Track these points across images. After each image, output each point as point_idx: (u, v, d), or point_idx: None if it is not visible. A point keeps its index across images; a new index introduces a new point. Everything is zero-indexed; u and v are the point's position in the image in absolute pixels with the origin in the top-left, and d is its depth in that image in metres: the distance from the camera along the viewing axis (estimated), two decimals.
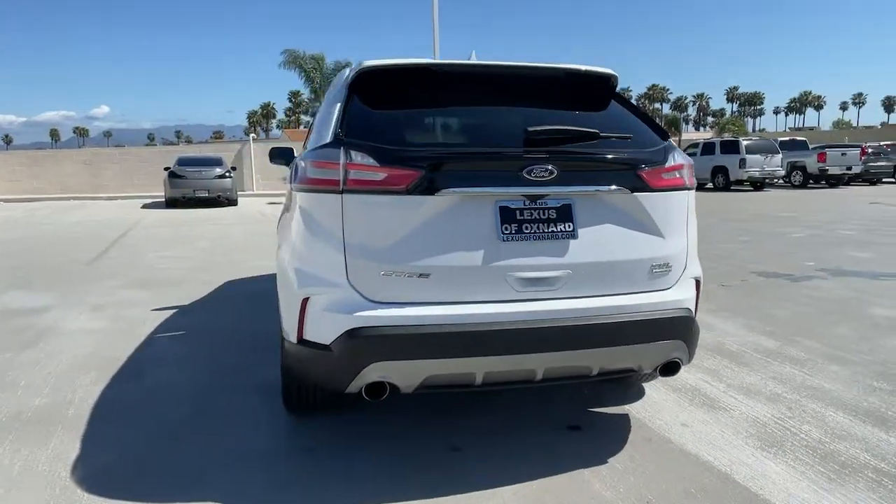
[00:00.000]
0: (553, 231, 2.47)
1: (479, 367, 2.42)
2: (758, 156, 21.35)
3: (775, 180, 22.69)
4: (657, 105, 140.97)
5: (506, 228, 2.43)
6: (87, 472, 2.61)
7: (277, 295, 2.88)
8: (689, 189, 2.75)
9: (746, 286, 6.19)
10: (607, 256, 2.54)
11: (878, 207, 14.51)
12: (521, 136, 2.50)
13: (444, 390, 2.55)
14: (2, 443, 2.87)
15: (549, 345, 2.42)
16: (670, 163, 2.67)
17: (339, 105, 2.69)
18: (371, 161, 2.39)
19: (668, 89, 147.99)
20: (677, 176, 2.69)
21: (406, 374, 2.41)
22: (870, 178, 23.99)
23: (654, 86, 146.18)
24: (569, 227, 2.49)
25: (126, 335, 4.58)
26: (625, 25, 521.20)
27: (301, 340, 2.55)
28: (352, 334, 2.36)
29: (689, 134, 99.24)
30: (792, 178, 23.37)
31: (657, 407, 3.27)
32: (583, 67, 2.91)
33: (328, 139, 2.56)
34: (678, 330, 2.60)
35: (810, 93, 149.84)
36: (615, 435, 2.95)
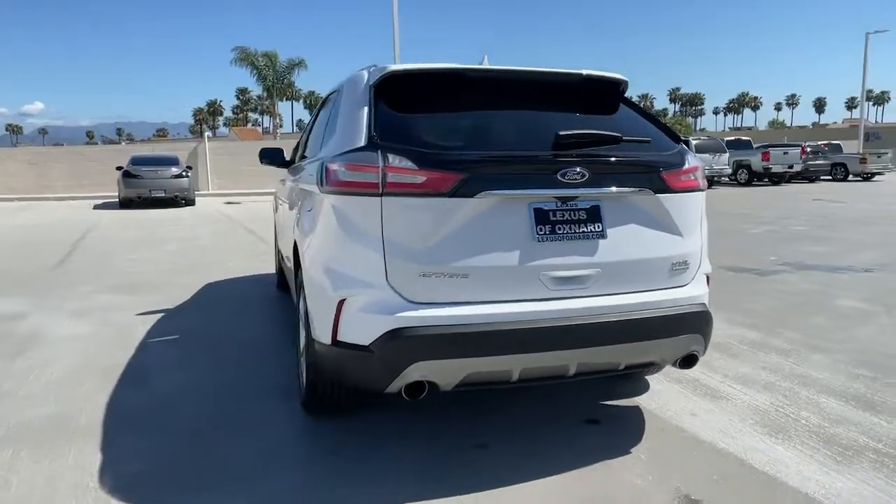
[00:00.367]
0: (584, 231, 2.57)
1: (516, 365, 2.50)
2: (707, 155, 22.17)
3: (722, 178, 23.64)
4: None
5: (540, 229, 2.52)
6: (118, 482, 2.56)
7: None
8: (702, 190, 2.90)
9: (718, 281, 6.38)
10: (633, 255, 2.66)
11: (822, 204, 15.30)
12: (551, 139, 2.59)
13: (480, 388, 2.62)
14: (17, 454, 2.79)
15: (583, 341, 2.52)
16: (687, 165, 2.81)
17: (364, 108, 2.72)
18: (410, 164, 2.44)
19: None
20: (693, 178, 2.83)
21: (447, 372, 2.47)
22: (809, 175, 25.26)
23: None
24: (598, 227, 2.59)
25: (118, 341, 4.46)
26: (569, 26, 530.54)
27: (336, 342, 2.57)
28: (394, 335, 2.40)
29: None
30: (738, 176, 24.35)
31: (664, 399, 3.42)
32: (596, 72, 3.03)
33: (361, 142, 2.59)
34: (697, 324, 2.74)
35: (747, 94, 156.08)
36: (632, 427, 3.08)
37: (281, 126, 40.02)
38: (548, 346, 2.48)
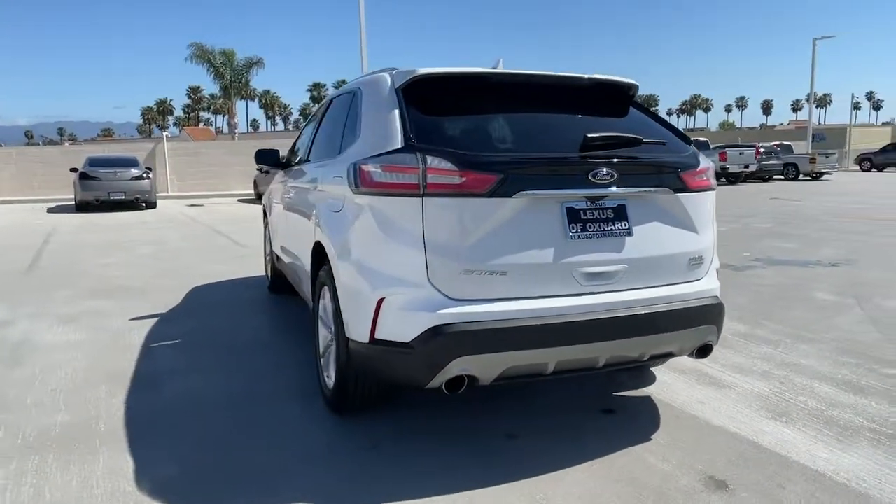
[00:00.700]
0: (612, 229, 2.70)
1: (552, 358, 2.61)
2: None
3: None
4: None
5: (573, 227, 2.63)
6: (154, 486, 2.55)
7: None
8: (713, 189, 3.07)
9: None
10: (656, 251, 2.80)
11: (779, 202, 16.00)
12: (578, 141, 2.70)
13: (516, 381, 2.71)
14: (45, 460, 2.74)
15: (613, 334, 2.64)
16: (701, 166, 2.96)
17: (395, 111, 2.78)
18: (450, 165, 2.51)
19: None
20: (706, 178, 2.99)
21: (487, 366, 2.55)
22: (763, 175, 26.31)
23: None
24: (625, 225, 2.72)
25: (117, 347, 4.39)
26: (528, 28, 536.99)
27: (374, 340, 2.63)
28: (436, 331, 2.47)
29: None
30: None
31: (671, 388, 3.58)
32: (610, 77, 3.17)
33: (397, 144, 2.64)
34: (712, 315, 2.90)
35: (699, 96, 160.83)
36: (648, 415, 3.23)
37: (237, 126, 39.22)
38: (582, 339, 2.59)
